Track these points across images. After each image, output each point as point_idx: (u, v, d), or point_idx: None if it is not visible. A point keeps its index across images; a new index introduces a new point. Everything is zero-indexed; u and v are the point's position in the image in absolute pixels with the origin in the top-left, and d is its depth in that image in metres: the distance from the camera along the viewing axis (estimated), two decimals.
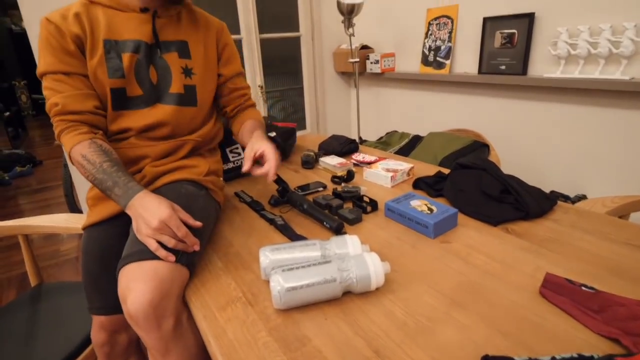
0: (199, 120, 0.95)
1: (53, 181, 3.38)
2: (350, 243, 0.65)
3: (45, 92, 0.80)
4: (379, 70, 2.24)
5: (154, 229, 0.65)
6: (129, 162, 0.86)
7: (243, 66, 1.07)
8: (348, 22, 2.06)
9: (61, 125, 0.79)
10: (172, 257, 0.65)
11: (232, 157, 1.22)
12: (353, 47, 2.18)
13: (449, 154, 1.31)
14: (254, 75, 2.29)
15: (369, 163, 1.20)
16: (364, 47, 2.37)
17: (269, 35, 2.29)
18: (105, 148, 0.78)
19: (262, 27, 2.25)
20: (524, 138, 1.70)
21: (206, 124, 0.97)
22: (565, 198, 1.44)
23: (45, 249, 2.17)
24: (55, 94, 0.78)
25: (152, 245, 0.65)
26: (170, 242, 0.66)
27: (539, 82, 1.53)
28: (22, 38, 7.29)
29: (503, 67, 1.68)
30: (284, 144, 1.32)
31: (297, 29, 2.41)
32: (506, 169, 1.26)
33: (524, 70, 1.61)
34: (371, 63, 2.28)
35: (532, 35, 1.58)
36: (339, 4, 2.01)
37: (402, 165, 1.11)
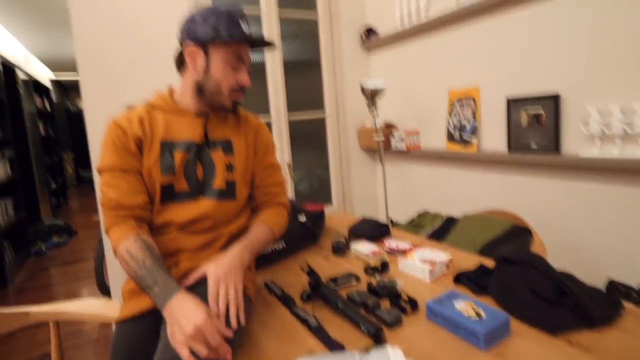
0: (237, 213, 0.99)
1: (85, 253, 3.46)
2: (393, 359, 0.60)
3: (102, 187, 0.88)
4: (404, 148, 2.26)
5: (189, 336, 0.65)
6: (167, 254, 0.88)
7: None
8: (372, 103, 2.14)
9: (112, 220, 0.85)
10: None
11: None
12: (377, 125, 2.24)
13: (489, 241, 1.25)
14: (282, 154, 2.37)
15: (404, 251, 1.15)
16: (388, 125, 2.43)
17: (297, 117, 2.41)
18: (149, 244, 0.82)
19: (290, 107, 2.37)
20: (567, 220, 1.61)
21: (242, 215, 1.00)
22: (628, 288, 1.31)
23: (67, 328, 2.14)
24: (112, 189, 0.85)
25: (185, 354, 0.64)
26: (203, 352, 0.65)
27: (576, 161, 1.49)
28: (76, 117, 8.04)
29: (534, 146, 1.65)
30: (314, 227, 1.31)
31: (322, 108, 2.52)
32: (553, 257, 1.18)
33: (556, 149, 1.57)
34: (396, 140, 2.31)
35: (559, 115, 1.57)
36: (362, 89, 2.12)
37: (440, 255, 1.06)
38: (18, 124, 3.78)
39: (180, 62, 0.95)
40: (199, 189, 0.93)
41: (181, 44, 0.93)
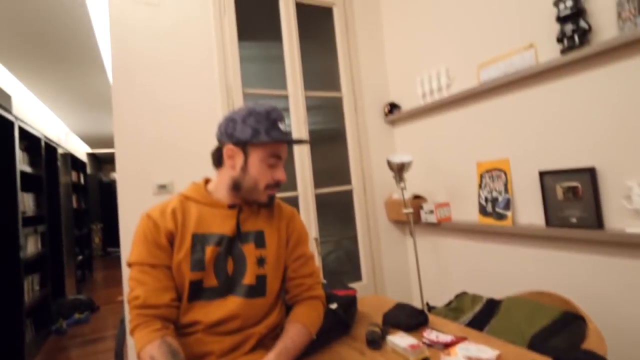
0: (266, 310, 0.94)
1: (106, 331, 3.38)
2: None
3: (130, 282, 0.86)
4: (434, 220, 2.20)
5: None
6: (193, 358, 0.84)
7: None
8: (399, 177, 2.14)
9: (137, 319, 0.82)
10: None
11: None
12: (405, 197, 2.21)
13: (538, 330, 1.14)
14: (309, 228, 2.34)
15: (445, 345, 1.05)
16: (416, 197, 2.40)
17: (323, 190, 2.42)
18: (174, 349, 0.78)
19: (316, 177, 2.39)
20: (622, 304, 1.47)
21: (272, 312, 0.96)
22: None
23: None
24: (138, 286, 0.84)
25: None
26: None
27: (622, 237, 1.39)
28: (107, 188, 8.41)
29: (574, 220, 1.57)
30: (346, 315, 1.23)
31: (348, 180, 2.53)
32: (613, 346, 1.04)
33: (599, 224, 1.49)
34: (425, 213, 2.27)
35: (598, 189, 1.51)
36: (389, 163, 2.13)
37: (487, 352, 0.96)
38: (53, 199, 3.95)
39: (218, 158, 0.97)
40: (228, 285, 0.90)
41: (220, 142, 0.96)
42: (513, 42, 1.78)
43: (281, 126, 0.93)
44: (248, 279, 0.91)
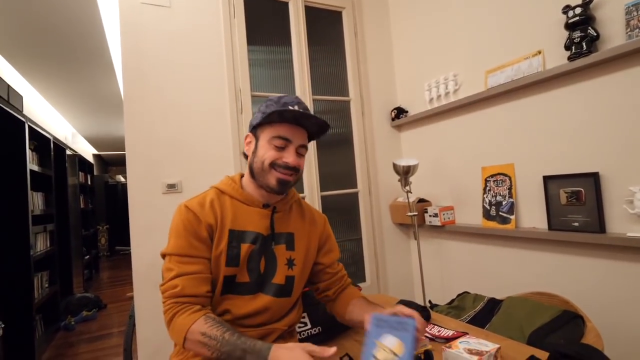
0: (289, 308, 0.99)
1: (113, 328, 3.43)
2: None
3: (165, 273, 0.87)
4: (438, 223, 2.24)
5: None
6: None
7: None
8: (404, 180, 2.17)
9: (175, 307, 0.82)
10: None
11: (299, 327, 1.18)
12: (410, 201, 2.25)
13: (537, 327, 1.17)
14: None
15: (447, 339, 1.09)
16: (421, 200, 2.43)
17: (329, 192, 2.46)
18: (220, 320, 0.81)
19: (322, 180, 2.43)
20: (621, 305, 1.49)
21: (293, 311, 1.00)
22: None
23: None
24: (177, 276, 0.84)
25: None
26: None
27: (625, 242, 1.42)
28: (112, 189, 8.51)
29: (576, 224, 1.60)
30: None
31: (354, 183, 2.57)
32: (610, 347, 1.07)
33: (601, 228, 1.52)
34: (430, 216, 2.30)
35: (601, 194, 1.54)
36: (395, 166, 2.17)
37: (487, 345, 0.99)
38: (61, 198, 4.03)
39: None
40: (259, 283, 0.92)
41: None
42: (521, 49, 1.81)
43: (291, 108, 0.90)
44: (278, 278, 0.94)
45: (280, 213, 0.98)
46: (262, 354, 0.71)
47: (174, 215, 0.91)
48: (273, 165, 0.91)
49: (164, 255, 0.89)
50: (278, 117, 0.91)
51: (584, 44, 1.51)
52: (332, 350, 0.70)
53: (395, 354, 0.72)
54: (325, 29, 2.58)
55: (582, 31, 1.51)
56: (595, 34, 1.49)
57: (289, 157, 0.91)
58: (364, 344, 0.76)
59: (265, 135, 0.93)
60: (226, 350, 0.74)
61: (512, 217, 1.86)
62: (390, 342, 0.74)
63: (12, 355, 2.66)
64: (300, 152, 0.95)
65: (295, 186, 1.05)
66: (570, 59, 1.56)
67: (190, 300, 0.83)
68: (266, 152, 0.92)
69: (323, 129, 0.96)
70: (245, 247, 0.90)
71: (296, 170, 0.94)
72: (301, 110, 0.91)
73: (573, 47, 1.56)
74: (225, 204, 0.94)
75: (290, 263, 0.96)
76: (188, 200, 0.93)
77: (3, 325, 2.10)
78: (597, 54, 1.46)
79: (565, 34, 1.59)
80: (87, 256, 5.44)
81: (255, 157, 0.93)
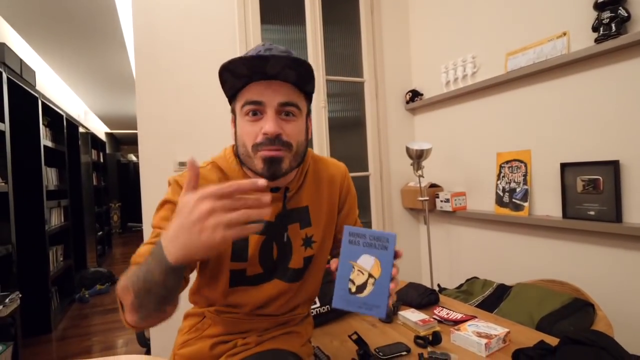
0: (310, 292, 0.90)
1: None
2: None
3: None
4: (449, 209, 2.22)
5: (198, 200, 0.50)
6: (236, 332, 0.85)
7: None
8: (417, 164, 2.15)
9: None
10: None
11: None
12: (422, 185, 2.23)
13: (547, 314, 1.16)
14: None
15: (455, 322, 1.09)
16: (433, 185, 2.41)
17: None
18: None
19: None
20: (634, 295, 1.47)
21: (314, 294, 0.92)
22: None
23: None
24: (143, 245, 0.71)
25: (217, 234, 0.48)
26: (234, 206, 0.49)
27: None
28: (125, 168, 8.62)
29: (592, 213, 1.57)
30: None
31: (366, 167, 2.55)
32: (621, 336, 1.06)
33: (618, 218, 1.49)
34: (441, 201, 2.28)
35: (620, 182, 1.50)
36: (408, 150, 2.14)
37: (496, 329, 0.99)
38: (75, 175, 4.09)
39: None
40: (273, 270, 0.82)
41: None
42: (546, 30, 1.74)
43: (254, 54, 0.69)
44: (295, 262, 0.82)
45: (292, 191, 0.82)
46: (158, 246, 0.55)
47: (168, 189, 0.80)
48: (255, 147, 0.71)
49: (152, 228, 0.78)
50: (232, 76, 0.71)
51: (613, 25, 1.45)
52: (263, 182, 0.50)
53: (372, 276, 0.63)
54: (341, 6, 2.52)
55: (612, 11, 1.45)
56: (626, 15, 1.42)
57: (266, 125, 0.69)
58: (338, 263, 0.65)
59: (238, 106, 0.74)
60: (134, 279, 0.58)
61: (526, 204, 1.83)
62: (367, 263, 0.64)
63: (30, 324, 2.77)
64: (286, 110, 0.72)
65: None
66: (597, 41, 1.50)
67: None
68: (243, 130, 0.73)
69: (301, 68, 0.70)
70: (254, 240, 0.78)
71: (284, 145, 0.71)
72: (266, 53, 0.68)
73: (601, 29, 1.49)
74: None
75: (307, 242, 0.83)
76: (180, 174, 0.80)
77: (21, 295, 2.17)
78: (627, 36, 1.40)
79: (594, 14, 1.52)
80: (100, 232, 5.55)
81: (237, 139, 0.76)
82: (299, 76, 0.72)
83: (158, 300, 0.58)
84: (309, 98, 0.79)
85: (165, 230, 0.55)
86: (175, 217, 0.52)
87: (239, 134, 0.75)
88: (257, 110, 0.71)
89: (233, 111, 0.78)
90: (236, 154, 0.80)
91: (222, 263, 0.77)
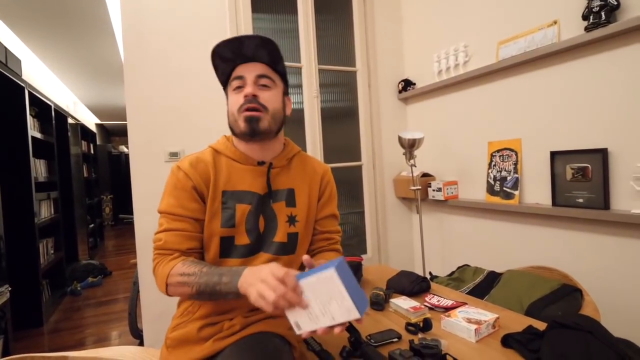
0: (295, 268, 0.94)
1: (117, 294, 3.51)
2: None
3: (158, 228, 0.88)
4: (441, 198, 2.23)
5: (272, 280, 0.65)
6: (222, 312, 0.88)
7: None
8: (409, 154, 2.15)
9: (157, 258, 0.85)
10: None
11: None
12: (414, 175, 2.23)
13: (536, 299, 1.18)
14: None
15: (446, 308, 1.10)
16: (425, 175, 2.42)
17: (333, 165, 2.44)
18: (195, 260, 0.82)
19: (327, 154, 2.42)
20: (620, 280, 1.50)
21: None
22: None
23: None
24: (164, 231, 0.86)
25: (275, 301, 0.64)
26: (284, 295, 0.64)
27: (629, 219, 1.41)
28: (116, 159, 8.52)
29: (581, 200, 1.59)
30: None
31: (358, 156, 2.55)
32: (608, 320, 1.09)
33: (606, 205, 1.51)
34: (433, 190, 2.29)
35: (608, 170, 1.52)
36: (400, 139, 2.14)
37: (486, 315, 1.01)
38: (64, 167, 4.04)
39: None
40: (259, 242, 0.90)
41: None
42: (537, 19, 1.74)
43: (232, 41, 0.88)
44: (279, 236, 0.91)
45: (278, 169, 0.95)
46: (237, 272, 0.72)
47: (169, 175, 0.91)
48: (239, 110, 0.88)
49: (160, 213, 0.89)
50: (221, 61, 0.91)
51: (602, 13, 1.45)
52: (293, 272, 0.68)
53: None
54: None
55: (601, 0, 1.45)
56: (615, 3, 1.42)
57: (247, 89, 0.88)
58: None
59: (229, 90, 0.93)
60: (204, 281, 0.75)
61: (516, 192, 1.85)
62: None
63: (21, 317, 2.75)
64: (262, 82, 0.90)
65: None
66: (587, 29, 1.51)
67: (170, 253, 0.84)
68: (231, 101, 0.91)
69: (270, 45, 0.88)
70: (241, 208, 0.88)
71: (262, 106, 0.88)
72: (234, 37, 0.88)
73: (591, 17, 1.49)
74: (221, 164, 0.92)
75: (291, 220, 0.93)
76: (181, 160, 0.92)
77: (10, 289, 2.15)
78: (616, 24, 1.40)
79: (584, 2, 1.52)
80: (92, 225, 5.51)
81: (228, 113, 0.93)
82: (270, 54, 0.89)
83: (211, 300, 0.82)
84: (283, 79, 0.96)
85: (242, 267, 0.75)
86: (261, 272, 0.68)
87: (229, 106, 0.92)
88: (240, 85, 0.90)
89: (227, 96, 0.94)
90: (232, 138, 0.97)
91: (214, 230, 0.87)
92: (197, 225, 0.88)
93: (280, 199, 0.93)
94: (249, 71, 0.89)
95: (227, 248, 0.88)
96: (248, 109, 0.87)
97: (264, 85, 0.90)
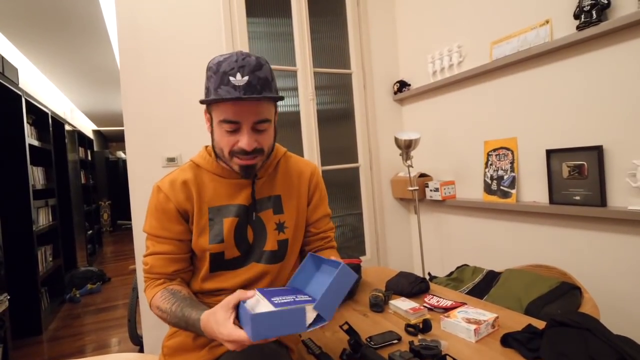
0: (287, 273, 0.95)
1: (117, 300, 3.49)
2: None
3: (145, 249, 0.90)
4: (439, 198, 2.24)
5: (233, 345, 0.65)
6: None
7: None
8: (406, 154, 2.16)
9: (146, 281, 0.88)
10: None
11: None
12: (411, 175, 2.24)
13: (535, 298, 1.18)
14: None
15: (445, 309, 1.10)
16: (422, 175, 2.43)
17: (330, 167, 2.45)
18: (174, 290, 0.82)
19: (323, 156, 2.42)
20: (618, 276, 1.51)
21: (292, 272, 0.96)
22: None
23: None
24: (149, 254, 0.87)
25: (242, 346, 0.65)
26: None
27: (626, 215, 1.41)
28: (114, 165, 8.51)
29: (577, 198, 1.60)
30: None
31: (355, 158, 2.56)
32: (607, 318, 1.09)
33: (602, 202, 1.51)
34: (431, 190, 2.30)
35: (604, 167, 1.52)
36: (396, 140, 2.15)
37: (485, 314, 1.01)
38: (62, 173, 4.03)
39: None
40: (249, 253, 0.89)
41: None
42: (529, 18, 1.75)
43: (233, 80, 0.75)
44: (269, 245, 0.90)
45: (263, 179, 0.91)
46: (197, 326, 0.72)
47: (151, 193, 0.89)
48: (231, 153, 0.81)
49: (145, 232, 0.90)
50: (214, 98, 0.78)
51: (593, 12, 1.46)
52: (249, 292, 0.68)
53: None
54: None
55: None
56: (606, 2, 1.44)
57: (243, 141, 0.78)
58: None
59: (215, 115, 0.81)
60: (175, 322, 0.77)
61: (513, 191, 1.86)
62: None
63: (20, 325, 2.73)
64: (259, 128, 0.80)
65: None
66: (579, 28, 1.52)
67: (157, 277, 0.86)
68: (220, 139, 0.82)
69: (261, 76, 0.78)
70: (228, 222, 0.86)
71: (258, 152, 0.81)
72: (242, 84, 0.75)
73: (582, 16, 1.50)
74: (203, 180, 0.88)
75: (280, 227, 0.91)
76: (161, 179, 0.89)
77: (9, 297, 2.14)
78: (607, 23, 1.41)
79: (575, 1, 1.53)
80: (90, 231, 5.49)
81: (214, 141, 0.85)
82: (265, 85, 0.79)
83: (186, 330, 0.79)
84: (275, 99, 0.85)
85: (199, 320, 0.71)
86: (215, 334, 0.67)
87: (217, 140, 0.84)
88: (235, 128, 0.80)
89: (209, 112, 0.85)
90: (212, 152, 0.91)
91: (203, 247, 0.86)
92: (182, 245, 0.87)
93: (266, 207, 0.91)
94: (245, 115, 0.78)
95: (218, 264, 0.87)
96: (245, 159, 0.81)
97: (259, 130, 0.81)
